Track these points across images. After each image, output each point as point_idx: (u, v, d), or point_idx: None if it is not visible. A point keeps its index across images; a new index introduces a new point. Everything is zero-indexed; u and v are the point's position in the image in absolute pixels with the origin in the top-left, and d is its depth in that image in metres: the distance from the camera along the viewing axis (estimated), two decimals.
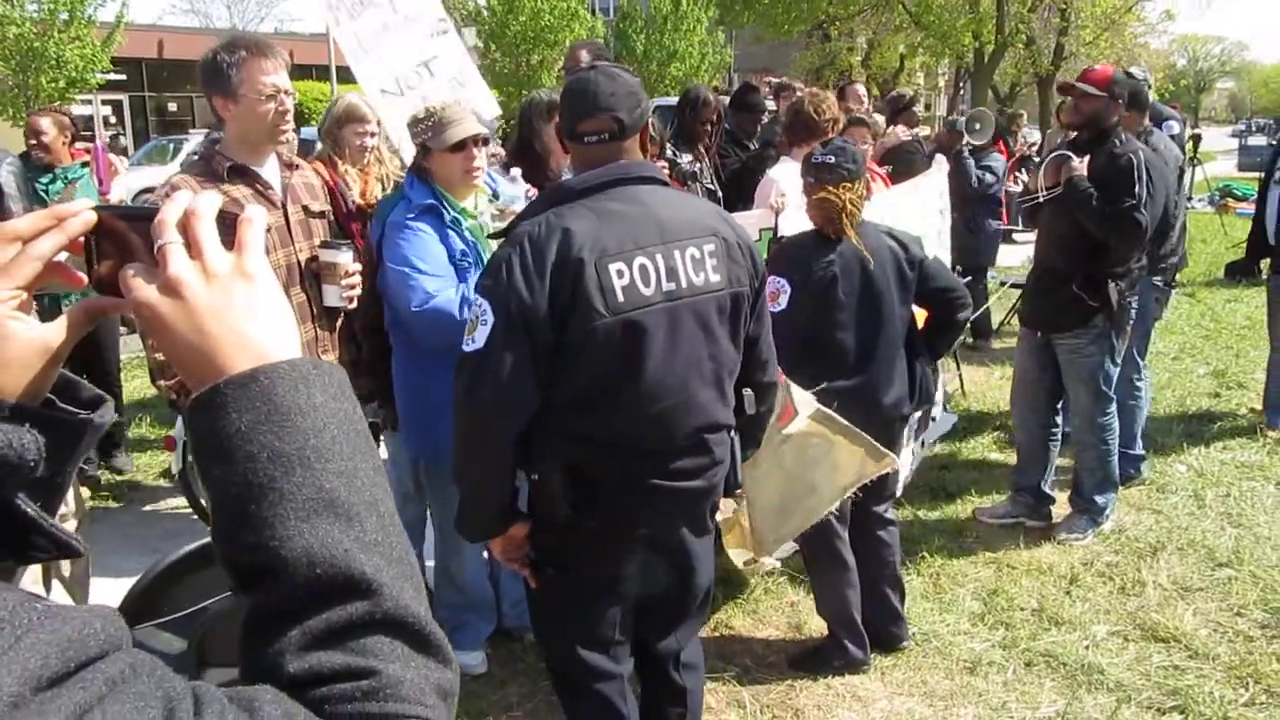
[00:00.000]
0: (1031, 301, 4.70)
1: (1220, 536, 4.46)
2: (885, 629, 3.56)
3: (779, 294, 3.11)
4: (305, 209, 3.06)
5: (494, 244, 2.91)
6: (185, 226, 0.79)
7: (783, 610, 3.92)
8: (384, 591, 0.71)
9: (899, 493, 4.69)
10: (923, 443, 4.95)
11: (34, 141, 4.93)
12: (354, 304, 3.07)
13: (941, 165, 5.93)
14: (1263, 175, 6.23)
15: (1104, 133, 4.24)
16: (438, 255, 3.01)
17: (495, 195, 3.36)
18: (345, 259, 2.95)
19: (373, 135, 3.85)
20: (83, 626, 0.58)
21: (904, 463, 4.60)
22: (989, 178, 7.55)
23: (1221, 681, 3.37)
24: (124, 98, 26.28)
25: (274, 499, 0.71)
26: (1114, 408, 4.49)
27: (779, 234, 4.03)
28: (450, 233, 3.06)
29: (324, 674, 0.69)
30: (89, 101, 22.11)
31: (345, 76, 23.94)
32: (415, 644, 0.73)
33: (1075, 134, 4.43)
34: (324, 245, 3.00)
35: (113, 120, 24.93)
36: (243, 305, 0.77)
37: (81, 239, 0.81)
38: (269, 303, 0.79)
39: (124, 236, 0.81)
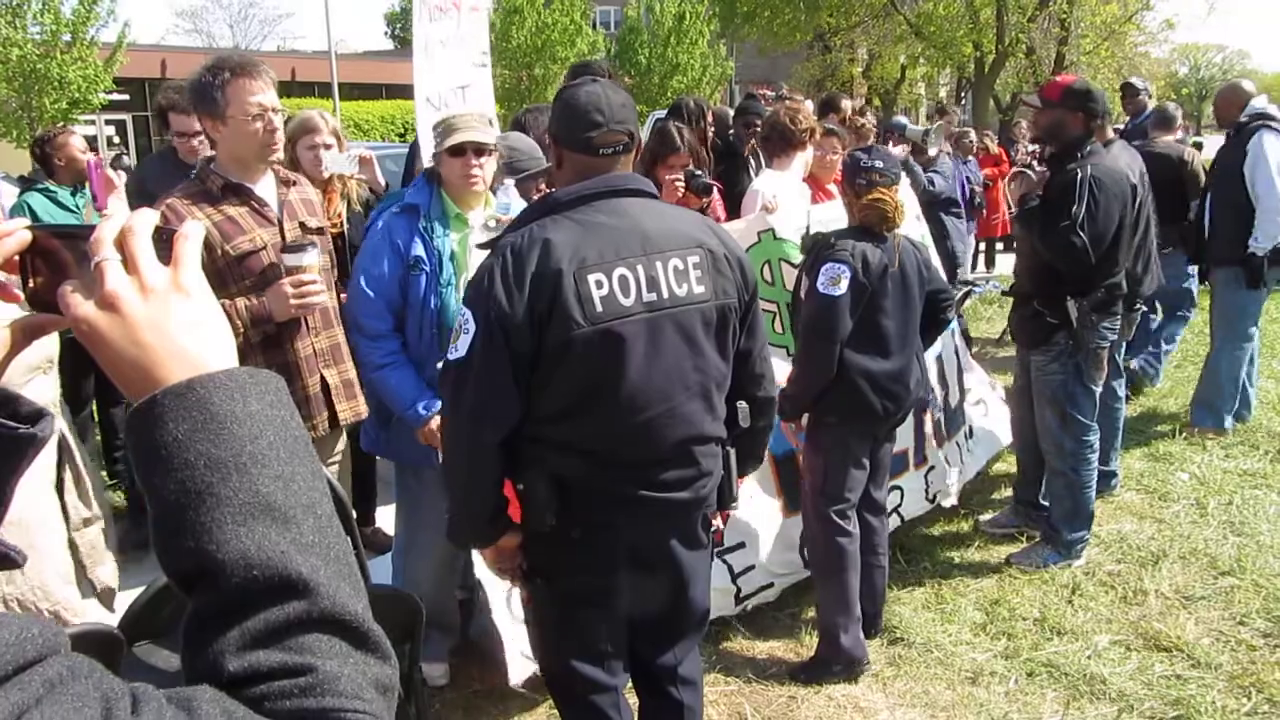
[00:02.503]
0: (1011, 315, 4.70)
1: (1223, 545, 4.44)
2: (866, 614, 3.65)
3: (839, 279, 3.29)
4: (302, 225, 3.08)
5: (476, 252, 3.00)
6: (121, 243, 0.80)
7: (783, 622, 3.91)
8: (320, 590, 0.73)
9: (954, 499, 4.72)
10: (967, 445, 4.96)
11: (61, 161, 4.96)
12: (312, 310, 2.98)
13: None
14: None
15: (1070, 145, 4.13)
16: (384, 268, 3.12)
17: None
18: (311, 259, 2.90)
19: (326, 147, 3.87)
20: (20, 631, 0.59)
21: (939, 459, 4.63)
22: (939, 182, 7.78)
23: (1224, 691, 3.35)
24: (127, 117, 26.41)
25: (211, 504, 0.73)
26: (1091, 437, 4.27)
27: (810, 228, 4.04)
28: (417, 238, 3.13)
29: (262, 672, 0.70)
30: (92, 122, 22.23)
31: (347, 94, 24.11)
32: (353, 640, 0.75)
33: (1044, 148, 4.41)
34: (286, 249, 2.91)
35: (116, 140, 25.06)
36: (179, 319, 0.79)
37: (16, 257, 0.84)
38: (205, 316, 0.81)
39: (57, 254, 0.83)
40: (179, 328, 0.79)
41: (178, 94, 4.16)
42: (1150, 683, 3.41)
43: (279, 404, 0.80)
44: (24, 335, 0.86)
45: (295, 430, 0.80)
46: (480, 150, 3.14)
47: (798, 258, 4.15)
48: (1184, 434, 5.87)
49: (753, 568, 3.83)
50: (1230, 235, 5.66)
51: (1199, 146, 14.00)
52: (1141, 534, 4.59)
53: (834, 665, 3.49)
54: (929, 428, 4.53)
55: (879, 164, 3.43)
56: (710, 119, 5.56)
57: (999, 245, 12.53)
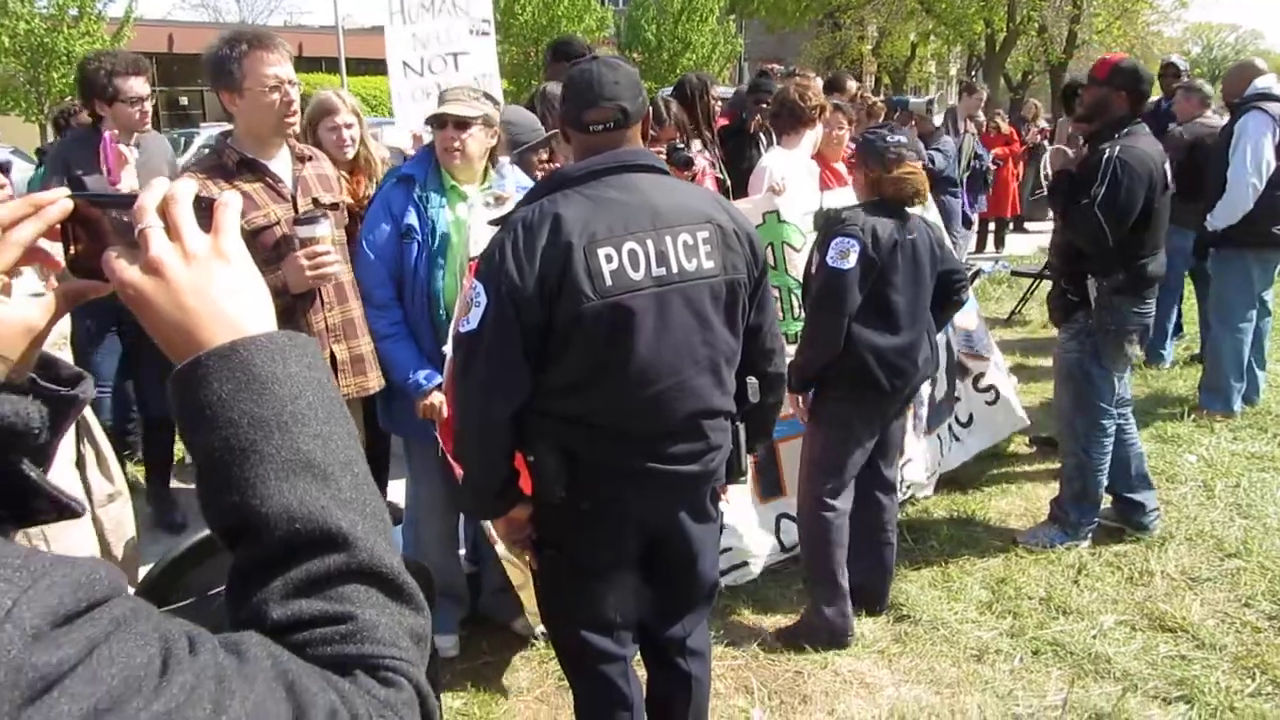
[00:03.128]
0: (1049, 292, 4.70)
1: (1229, 527, 4.45)
2: (872, 591, 3.71)
3: (848, 253, 3.30)
4: (315, 201, 3.09)
5: (476, 226, 3.08)
6: (164, 211, 0.83)
7: (790, 597, 3.94)
8: (358, 544, 0.77)
9: (930, 491, 4.72)
10: (951, 436, 4.96)
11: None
12: (328, 280, 2.99)
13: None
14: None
15: (1111, 124, 4.13)
16: (381, 235, 3.21)
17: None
18: (323, 231, 2.90)
19: (348, 126, 3.71)
20: (90, 571, 0.63)
21: (918, 452, 4.63)
22: (940, 160, 7.86)
23: (1228, 672, 3.37)
24: None
25: (255, 461, 0.77)
26: (1106, 422, 4.20)
27: (823, 206, 4.06)
28: (411, 207, 3.19)
29: (304, 619, 0.74)
30: None
31: (355, 69, 24.02)
32: (389, 592, 0.78)
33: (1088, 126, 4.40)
34: (298, 221, 2.91)
35: None
36: (221, 283, 0.82)
37: (58, 225, 0.86)
38: (245, 281, 0.84)
39: (98, 222, 0.86)
40: (221, 292, 0.82)
41: (114, 58, 4.04)
42: (1155, 662, 3.43)
43: (316, 366, 0.83)
44: (66, 301, 0.88)
45: (331, 391, 0.83)
46: (461, 124, 3.15)
47: (800, 241, 4.17)
48: (1192, 416, 5.87)
49: (730, 549, 3.90)
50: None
51: None
52: None
53: (817, 633, 3.54)
54: (910, 421, 4.51)
55: (903, 139, 3.46)
56: (714, 95, 5.55)
57: (1009, 225, 12.48)
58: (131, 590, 0.69)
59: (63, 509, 0.79)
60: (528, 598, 3.31)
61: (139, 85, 4.00)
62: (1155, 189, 4.02)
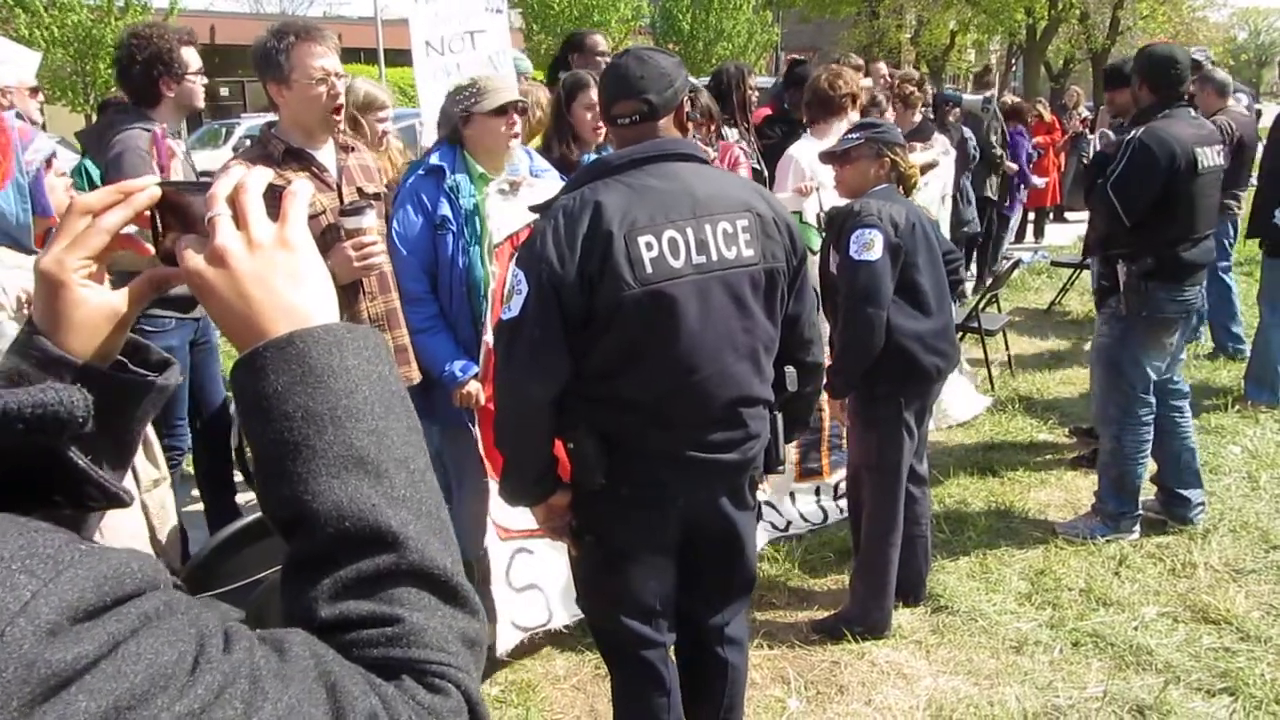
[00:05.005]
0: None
1: (1274, 519, 4.39)
2: (909, 582, 3.69)
3: (873, 243, 3.26)
4: (360, 191, 3.12)
5: (494, 213, 3.16)
6: (234, 199, 0.84)
7: (828, 588, 3.94)
8: (410, 544, 0.76)
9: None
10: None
11: None
12: (374, 270, 3.02)
13: (949, 151, 5.99)
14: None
15: (1141, 111, 4.13)
16: (414, 228, 3.22)
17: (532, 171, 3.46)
18: (370, 221, 2.91)
19: (389, 120, 3.94)
20: (120, 566, 0.62)
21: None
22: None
23: (1273, 664, 3.33)
24: None
25: (307, 456, 0.76)
26: (1144, 413, 4.14)
27: (822, 205, 4.06)
28: (443, 198, 3.21)
29: (351, 620, 0.73)
30: None
31: (393, 60, 24.14)
32: (441, 594, 0.77)
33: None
34: (344, 212, 2.92)
35: None
36: (284, 273, 0.82)
37: (147, 213, 0.87)
38: (309, 271, 0.84)
39: (186, 210, 0.86)
40: (283, 282, 0.81)
41: (166, 30, 3.68)
42: (1198, 654, 3.40)
43: (377, 359, 0.82)
44: (150, 286, 0.89)
45: (393, 385, 0.82)
46: (522, 109, 3.27)
47: (818, 244, 4.15)
48: (1236, 407, 5.79)
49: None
50: (1274, 210, 5.55)
51: (1257, 115, 13.68)
52: None
53: (855, 625, 3.54)
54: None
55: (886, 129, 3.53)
56: (751, 85, 5.51)
57: (1049, 215, 12.33)
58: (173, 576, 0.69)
59: (111, 497, 0.78)
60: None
61: (195, 56, 3.72)
62: (1179, 173, 3.93)
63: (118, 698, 0.57)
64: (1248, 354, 6.81)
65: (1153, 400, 4.19)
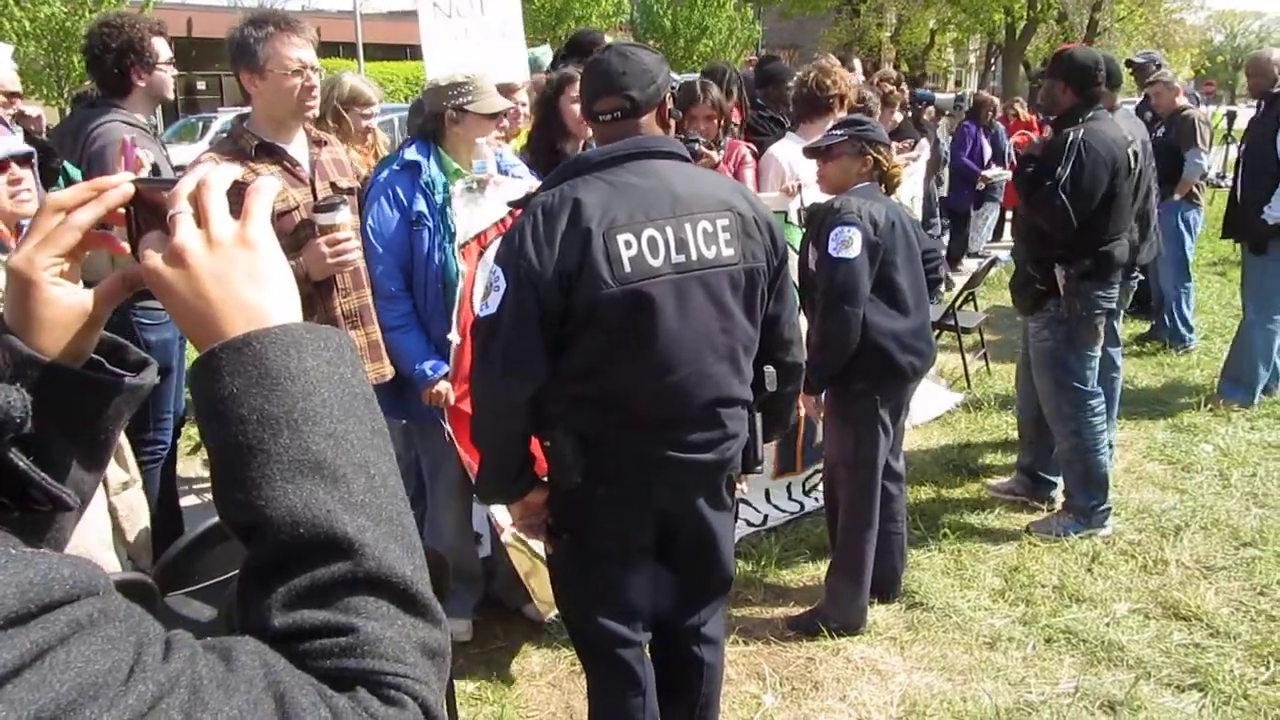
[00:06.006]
0: (1011, 281, 4.69)
1: (1245, 516, 4.44)
2: (884, 580, 3.71)
3: (851, 240, 3.28)
4: (333, 186, 3.10)
5: (462, 211, 3.15)
6: (195, 197, 0.82)
7: (804, 584, 3.95)
8: (366, 551, 0.73)
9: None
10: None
11: None
12: (349, 267, 2.99)
13: (924, 149, 6.01)
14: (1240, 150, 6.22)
15: (1065, 112, 4.13)
16: (389, 224, 3.19)
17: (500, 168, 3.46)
18: (344, 217, 2.89)
19: (373, 116, 3.92)
20: (48, 571, 0.59)
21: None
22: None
23: (1242, 660, 3.37)
24: None
25: (261, 460, 0.74)
26: (1096, 403, 4.24)
27: (803, 202, 4.07)
28: (419, 194, 3.20)
29: (305, 629, 0.71)
30: None
31: (371, 54, 24.02)
32: (400, 603, 0.74)
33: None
34: (318, 208, 2.90)
35: None
36: (243, 272, 0.79)
37: (122, 210, 0.85)
38: (270, 269, 0.81)
39: (161, 207, 0.84)
40: (242, 281, 0.79)
41: (138, 20, 3.67)
42: (1168, 650, 3.43)
43: (338, 360, 0.80)
44: (123, 284, 0.87)
45: (355, 387, 0.80)
46: (505, 113, 3.36)
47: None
48: (1209, 405, 5.85)
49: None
50: (1261, 208, 5.59)
51: (1232, 116, 13.82)
52: (1163, 504, 4.59)
53: (831, 622, 3.56)
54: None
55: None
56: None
57: None
58: (146, 576, 0.67)
59: (54, 499, 0.75)
60: (537, 584, 3.33)
61: (165, 46, 3.70)
62: (1119, 173, 4.02)
63: (40, 708, 0.54)
64: (1193, 348, 7.02)
65: (1100, 390, 4.29)
